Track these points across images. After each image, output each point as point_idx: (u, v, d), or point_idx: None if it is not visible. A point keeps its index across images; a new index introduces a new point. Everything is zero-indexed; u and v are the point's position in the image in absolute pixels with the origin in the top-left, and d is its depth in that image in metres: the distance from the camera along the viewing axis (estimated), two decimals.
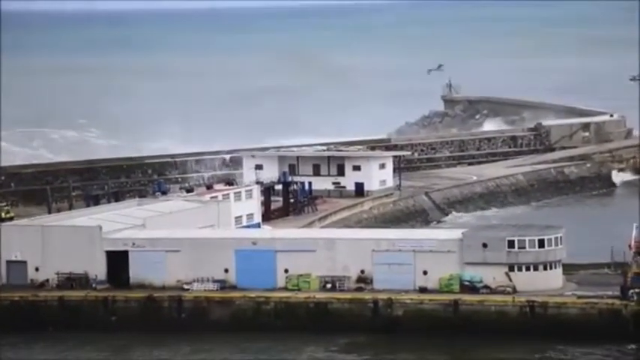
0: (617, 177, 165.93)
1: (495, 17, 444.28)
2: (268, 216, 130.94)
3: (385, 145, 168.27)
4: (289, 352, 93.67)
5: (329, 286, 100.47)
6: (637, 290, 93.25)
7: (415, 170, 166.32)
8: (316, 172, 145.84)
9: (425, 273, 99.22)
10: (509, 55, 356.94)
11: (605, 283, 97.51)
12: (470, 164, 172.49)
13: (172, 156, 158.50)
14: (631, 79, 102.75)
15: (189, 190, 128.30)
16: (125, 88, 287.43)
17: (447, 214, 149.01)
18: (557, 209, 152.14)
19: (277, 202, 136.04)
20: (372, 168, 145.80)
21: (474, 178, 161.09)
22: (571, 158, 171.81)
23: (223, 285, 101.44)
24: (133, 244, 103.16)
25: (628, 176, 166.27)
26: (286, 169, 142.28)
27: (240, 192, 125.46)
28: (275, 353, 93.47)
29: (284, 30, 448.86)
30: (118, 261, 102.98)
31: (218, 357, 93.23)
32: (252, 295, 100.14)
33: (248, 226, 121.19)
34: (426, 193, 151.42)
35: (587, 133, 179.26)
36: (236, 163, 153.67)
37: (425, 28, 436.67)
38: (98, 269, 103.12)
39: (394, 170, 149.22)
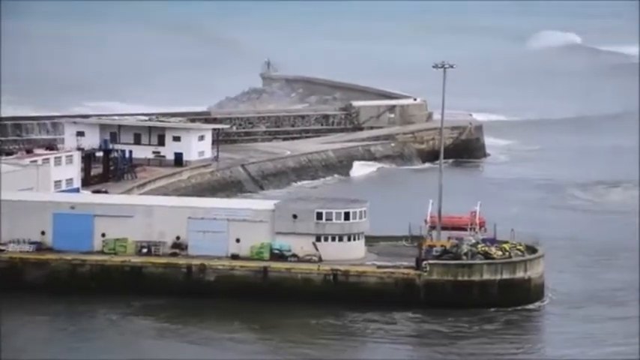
0: (359, 168, 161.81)
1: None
2: (88, 181, 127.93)
3: (205, 117, 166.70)
4: (83, 314, 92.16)
5: (145, 250, 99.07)
6: (430, 261, 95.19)
7: (233, 143, 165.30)
8: (137, 141, 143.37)
9: (238, 241, 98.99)
10: (332, 37, 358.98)
11: (403, 254, 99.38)
12: (285, 139, 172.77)
13: None
14: (433, 67, 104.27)
15: (8, 153, 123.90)
16: None
17: (261, 186, 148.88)
18: (363, 184, 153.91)
19: (98, 168, 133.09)
20: (191, 139, 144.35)
21: (288, 152, 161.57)
22: (377, 137, 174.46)
23: (39, 247, 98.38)
24: None
25: (368, 166, 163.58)
26: (107, 137, 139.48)
27: (60, 157, 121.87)
28: (68, 315, 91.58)
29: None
30: None
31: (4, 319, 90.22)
32: (68, 257, 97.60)
33: (67, 191, 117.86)
34: (242, 166, 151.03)
35: (392, 115, 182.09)
36: (58, 129, 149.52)
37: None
38: None
39: (213, 142, 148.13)
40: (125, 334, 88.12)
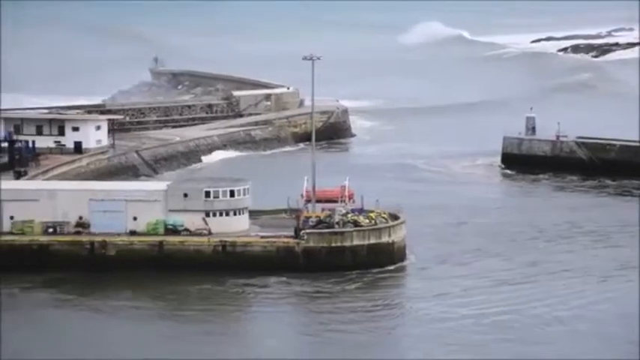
0: (217, 155, 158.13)
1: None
2: None
3: (100, 109, 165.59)
4: None
5: (51, 230, 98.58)
6: (307, 231, 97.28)
7: (127, 132, 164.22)
8: (39, 132, 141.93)
9: (135, 218, 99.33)
10: (218, 34, 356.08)
11: (283, 225, 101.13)
12: (174, 127, 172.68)
13: None
14: (303, 59, 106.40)
15: None
16: None
17: (154, 170, 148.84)
18: (246, 164, 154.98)
19: (3, 157, 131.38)
20: (89, 129, 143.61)
21: (178, 138, 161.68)
22: (256, 123, 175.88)
23: None
24: None
25: (223, 154, 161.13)
26: (11, 129, 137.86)
27: None
28: None
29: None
30: None
31: None
32: None
33: None
34: (137, 152, 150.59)
35: (269, 102, 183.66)
36: None
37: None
38: None
39: (109, 131, 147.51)
40: (23, 306, 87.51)
